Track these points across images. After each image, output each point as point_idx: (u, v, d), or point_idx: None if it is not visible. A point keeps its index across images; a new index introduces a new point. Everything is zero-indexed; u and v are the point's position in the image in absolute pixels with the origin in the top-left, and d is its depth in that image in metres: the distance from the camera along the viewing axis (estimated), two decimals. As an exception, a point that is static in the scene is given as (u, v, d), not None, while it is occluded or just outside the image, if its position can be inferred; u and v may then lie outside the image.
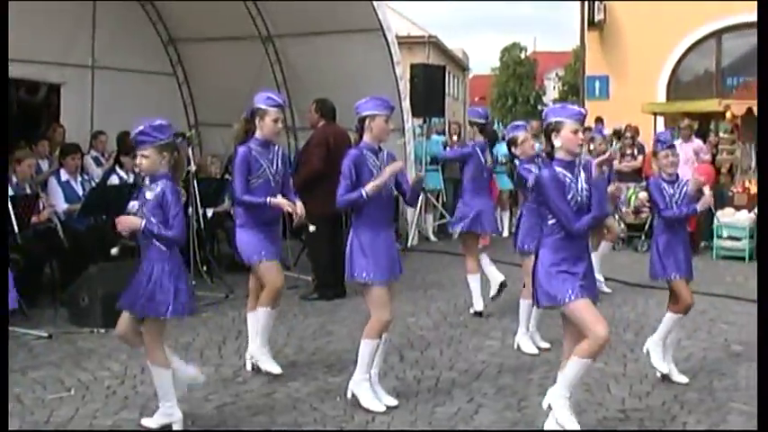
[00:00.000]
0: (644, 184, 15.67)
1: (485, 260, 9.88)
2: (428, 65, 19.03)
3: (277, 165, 7.33)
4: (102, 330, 8.45)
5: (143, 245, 5.79)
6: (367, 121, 6.56)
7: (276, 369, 7.28)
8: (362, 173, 6.43)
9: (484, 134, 10.11)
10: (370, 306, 6.55)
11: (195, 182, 10.77)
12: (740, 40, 23.09)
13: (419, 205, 15.19)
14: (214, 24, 15.14)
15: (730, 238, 14.22)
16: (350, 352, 7.43)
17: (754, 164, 15.56)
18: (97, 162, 12.54)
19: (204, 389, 6.86)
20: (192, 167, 10.93)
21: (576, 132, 5.61)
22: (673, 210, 7.28)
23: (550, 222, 5.61)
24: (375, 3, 13.81)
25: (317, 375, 7.33)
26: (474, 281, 9.72)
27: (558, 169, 5.58)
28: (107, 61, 14.93)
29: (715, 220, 14.40)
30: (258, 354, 7.32)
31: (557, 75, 67.49)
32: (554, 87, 68.71)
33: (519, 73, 64.63)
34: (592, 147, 11.40)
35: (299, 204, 7.34)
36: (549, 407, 5.75)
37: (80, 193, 10.75)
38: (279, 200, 7.11)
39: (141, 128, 5.68)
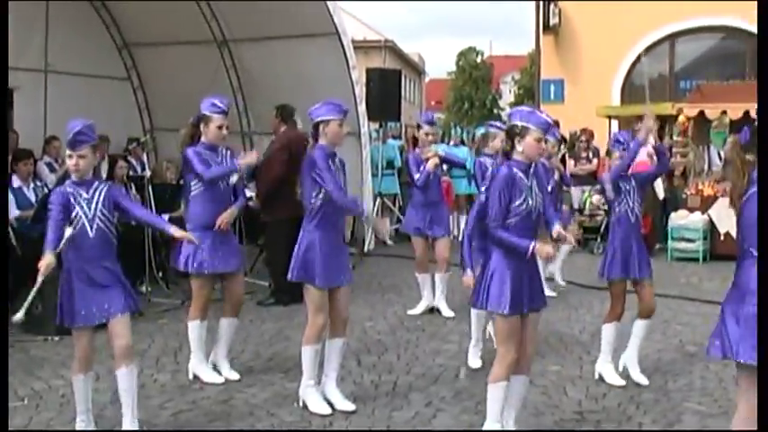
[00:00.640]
0: (598, 186, 15.80)
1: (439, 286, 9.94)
2: (384, 69, 19.07)
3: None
4: (56, 338, 8.36)
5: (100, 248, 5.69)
6: (321, 127, 6.58)
7: (234, 375, 7.28)
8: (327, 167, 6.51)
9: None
10: (308, 308, 6.55)
11: (150, 187, 10.69)
12: (693, 44, 23.33)
13: (376, 209, 15.18)
14: (169, 28, 15.05)
15: (684, 239, 14.34)
16: (307, 357, 7.41)
17: (706, 166, 15.73)
18: (50, 168, 12.40)
19: (160, 396, 6.83)
20: (147, 173, 10.87)
21: (539, 141, 5.59)
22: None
23: (509, 221, 5.55)
24: (330, 7, 13.79)
25: (274, 381, 7.31)
26: (423, 280, 9.82)
27: (516, 171, 5.58)
28: (61, 65, 14.78)
29: (669, 222, 14.52)
30: (195, 365, 7.38)
31: (513, 78, 67.65)
32: (510, 91, 68.85)
33: (475, 77, 64.71)
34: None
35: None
36: None
37: (32, 199, 10.62)
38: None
39: (79, 128, 5.60)
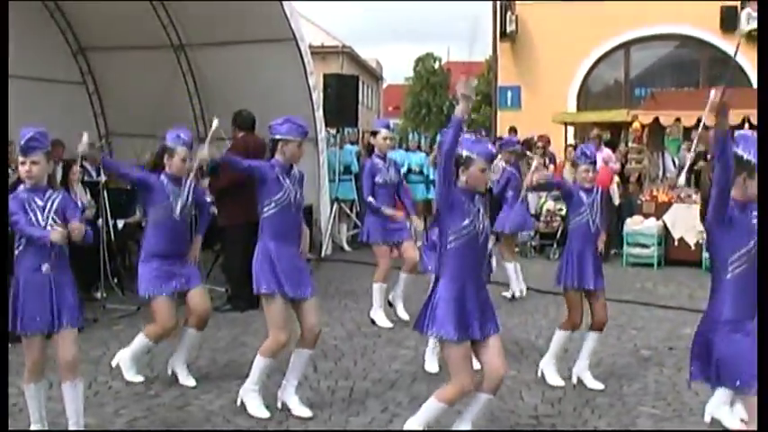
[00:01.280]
0: (555, 193, 15.90)
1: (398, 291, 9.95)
2: (341, 75, 19.07)
3: (187, 199, 7.29)
4: (9, 346, 8.26)
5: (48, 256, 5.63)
6: (280, 145, 6.59)
7: (190, 382, 7.26)
8: (268, 181, 6.51)
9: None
10: (269, 323, 6.56)
11: (105, 192, 10.62)
12: (648, 52, 23.60)
13: (333, 215, 15.18)
14: (125, 33, 14.95)
15: (639, 245, 14.46)
16: (263, 363, 7.38)
17: (661, 173, 15.88)
18: (4, 172, 12.27)
19: (115, 403, 6.77)
20: (103, 178, 10.79)
21: (483, 171, 5.60)
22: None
23: (449, 246, 5.55)
24: (288, 12, 13.76)
25: (231, 388, 7.26)
26: (378, 290, 9.80)
27: (460, 196, 5.57)
28: (15, 69, 14.58)
29: (624, 228, 14.64)
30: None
31: (470, 85, 67.96)
32: (467, 97, 69.10)
33: (433, 83, 64.79)
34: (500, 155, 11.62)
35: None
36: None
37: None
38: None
39: (31, 134, 5.55)
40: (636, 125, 15.54)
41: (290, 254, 6.62)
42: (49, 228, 5.52)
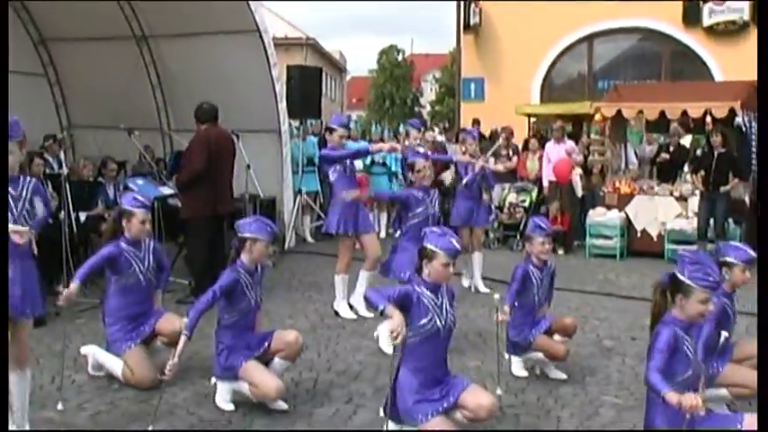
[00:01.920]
0: (518, 183, 16.00)
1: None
2: (305, 66, 19.01)
3: (149, 262, 7.35)
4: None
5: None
6: (248, 244, 6.57)
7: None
8: (235, 292, 6.54)
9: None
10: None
11: (67, 185, 10.53)
12: (611, 45, 23.72)
13: (296, 207, 15.15)
14: (87, 24, 14.81)
15: (602, 236, 14.56)
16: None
17: (623, 164, 15.98)
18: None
19: (78, 396, 6.74)
20: (65, 170, 10.70)
21: (446, 266, 5.66)
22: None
23: (409, 340, 5.61)
24: (252, 4, 13.70)
25: (195, 380, 7.25)
26: (340, 282, 9.80)
27: (423, 290, 5.66)
28: (-26, 61, 14.45)
29: (587, 220, 14.73)
30: None
31: (434, 77, 67.92)
32: (431, 89, 69.13)
33: (396, 75, 64.81)
34: (464, 148, 11.63)
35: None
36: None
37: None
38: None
39: None
40: (599, 117, 15.61)
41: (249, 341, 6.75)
42: (23, 219, 5.50)
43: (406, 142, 11.53)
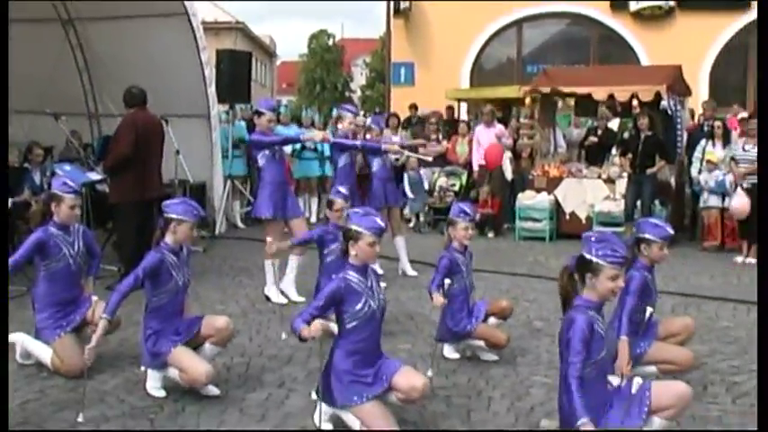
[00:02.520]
0: (448, 168, 16.06)
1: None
2: (234, 51, 18.85)
3: (78, 247, 7.26)
4: None
5: None
6: (173, 225, 6.50)
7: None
8: (161, 273, 6.46)
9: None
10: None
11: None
12: (540, 30, 23.92)
13: (226, 192, 15.06)
14: (11, 5, 14.48)
15: (531, 219, 14.68)
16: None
17: (552, 148, 16.12)
18: None
19: (5, 384, 6.60)
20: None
21: (372, 245, 5.67)
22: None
23: (347, 326, 5.65)
24: (180, -13, 13.55)
25: (125, 367, 7.16)
26: (270, 267, 9.76)
27: (351, 275, 5.68)
28: None
29: (516, 203, 14.84)
30: None
31: (364, 62, 67.88)
32: (361, 74, 69.12)
33: (327, 60, 64.66)
34: (368, 136, 11.72)
35: None
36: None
37: None
38: None
39: None
40: (528, 101, 15.72)
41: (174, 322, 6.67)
42: None
43: (339, 126, 11.48)
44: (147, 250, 6.73)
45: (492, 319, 7.62)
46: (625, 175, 13.97)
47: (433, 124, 17.08)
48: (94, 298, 7.38)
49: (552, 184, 14.82)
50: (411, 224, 15.88)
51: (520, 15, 23.52)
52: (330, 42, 66.51)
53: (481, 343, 7.43)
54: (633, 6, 22.31)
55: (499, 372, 7.16)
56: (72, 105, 14.51)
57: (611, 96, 14.97)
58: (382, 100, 31.99)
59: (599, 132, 16.05)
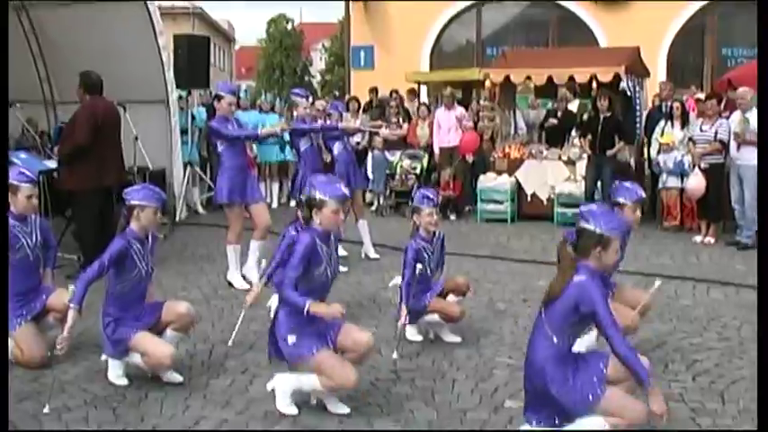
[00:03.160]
0: (409, 151, 16.06)
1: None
2: (192, 36, 18.72)
3: (36, 238, 7.17)
4: None
5: None
6: (136, 211, 6.45)
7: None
8: (126, 261, 6.41)
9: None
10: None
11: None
12: (499, 12, 23.92)
13: (186, 178, 14.96)
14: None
15: (492, 201, 14.72)
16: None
17: (513, 130, 16.16)
18: None
19: (-37, 375, 6.53)
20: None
21: (336, 212, 5.72)
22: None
23: (301, 286, 5.69)
24: (137, -29, 13.39)
25: (86, 356, 7.10)
26: (232, 252, 9.73)
27: (317, 240, 5.71)
28: None
29: (478, 185, 14.88)
30: None
31: (323, 46, 67.75)
32: (321, 58, 69.01)
33: (286, 44, 64.51)
34: (328, 122, 11.71)
35: None
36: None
37: None
38: None
39: None
40: (488, 83, 15.73)
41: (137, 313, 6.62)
42: None
43: (294, 112, 11.45)
44: (107, 238, 6.67)
45: (451, 297, 7.65)
46: (585, 156, 14.03)
47: (394, 107, 17.05)
48: (53, 287, 7.31)
49: (513, 166, 14.86)
50: (373, 207, 15.88)
51: (479, -3, 23.55)
52: (289, 27, 66.30)
53: (438, 318, 7.45)
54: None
55: (463, 354, 7.18)
56: (27, 93, 14.33)
57: (570, 78, 15.02)
58: (342, 84, 31.92)
59: (559, 114, 16.09)
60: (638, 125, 14.80)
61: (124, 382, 6.45)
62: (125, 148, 11.11)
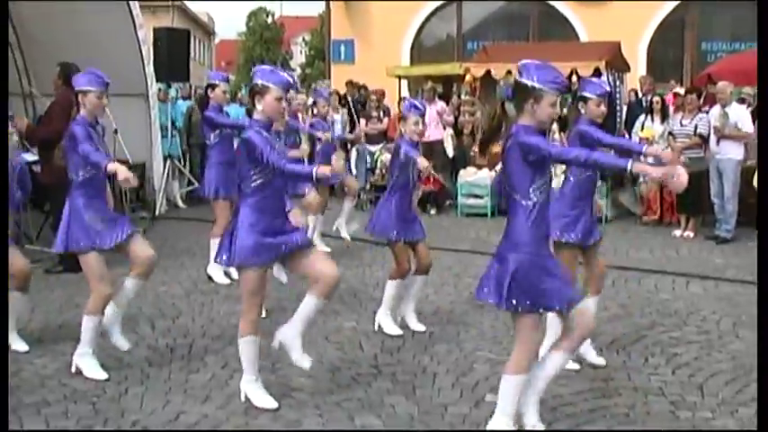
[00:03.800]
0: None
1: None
2: (172, 29, 18.63)
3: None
4: None
5: None
6: (80, 97, 6.47)
7: (22, 346, 7.03)
8: (91, 141, 6.40)
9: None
10: (89, 279, 6.46)
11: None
12: (480, 7, 23.93)
13: (166, 172, 14.91)
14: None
15: (473, 196, 14.73)
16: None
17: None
18: None
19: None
20: None
21: (279, 100, 5.64)
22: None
23: (253, 184, 5.59)
24: (116, -36, 13.32)
25: (66, 350, 7.05)
26: (214, 246, 9.71)
27: (260, 130, 5.59)
28: None
29: (458, 180, 14.89)
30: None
31: (304, 39, 67.61)
32: (301, 52, 68.89)
33: (266, 38, 64.36)
34: (315, 111, 11.71)
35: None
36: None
37: None
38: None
39: None
40: (468, 78, 15.75)
41: (98, 205, 6.57)
42: None
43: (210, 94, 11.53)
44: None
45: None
46: (565, 150, 14.03)
47: (374, 101, 17.05)
48: None
49: (494, 161, 14.85)
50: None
51: (460, -9, 23.56)
52: (269, 20, 66.13)
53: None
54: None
55: (443, 348, 7.19)
56: (6, 85, 14.23)
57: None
58: (322, 78, 31.88)
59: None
60: (618, 119, 14.84)
61: (104, 376, 6.42)
62: (105, 142, 11.02)
